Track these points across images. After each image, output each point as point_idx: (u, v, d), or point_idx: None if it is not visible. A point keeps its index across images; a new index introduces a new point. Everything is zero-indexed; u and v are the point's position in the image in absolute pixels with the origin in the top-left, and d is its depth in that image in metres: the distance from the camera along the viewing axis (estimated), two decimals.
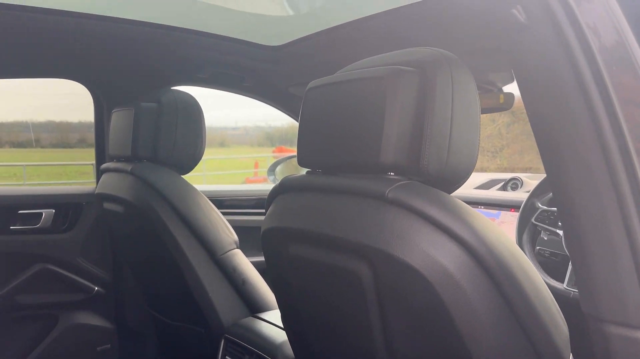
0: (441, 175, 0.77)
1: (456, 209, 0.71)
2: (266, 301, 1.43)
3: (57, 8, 1.47)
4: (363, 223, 0.75)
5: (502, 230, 0.73)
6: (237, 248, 1.45)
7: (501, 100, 1.56)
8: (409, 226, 0.70)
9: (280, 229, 0.91)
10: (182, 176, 1.52)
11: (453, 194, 0.79)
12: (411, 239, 0.69)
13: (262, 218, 2.11)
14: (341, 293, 0.81)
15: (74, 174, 11.34)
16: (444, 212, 0.69)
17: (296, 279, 0.92)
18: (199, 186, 2.24)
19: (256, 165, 11.94)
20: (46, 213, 1.78)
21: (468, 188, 2.21)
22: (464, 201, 0.75)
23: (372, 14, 1.37)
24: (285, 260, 0.92)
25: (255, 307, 1.42)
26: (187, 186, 1.42)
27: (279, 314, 1.06)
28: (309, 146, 0.89)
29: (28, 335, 1.79)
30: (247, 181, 11.31)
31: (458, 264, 0.68)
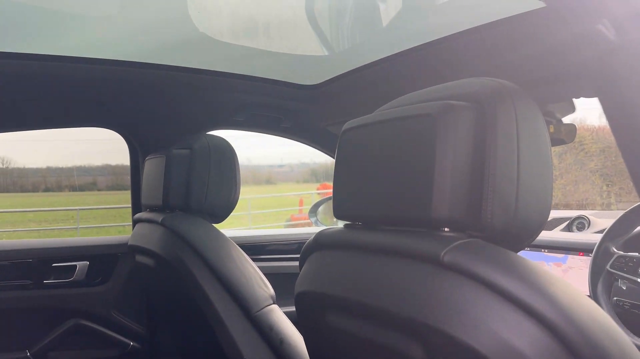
0: (509, 230, 0.63)
1: (533, 276, 0.56)
2: None
3: (87, 56, 1.45)
4: (414, 292, 0.61)
5: (593, 303, 0.57)
6: (274, 303, 1.32)
7: (560, 133, 1.41)
8: (472, 298, 0.56)
9: (316, 294, 0.78)
10: (223, 221, 1.43)
11: None
12: (476, 315, 0.55)
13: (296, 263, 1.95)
14: None
15: (129, 216, 11.65)
16: (517, 280, 0.55)
17: (335, 353, 0.78)
18: (235, 231, 2.16)
19: (301, 203, 11.89)
20: (80, 265, 1.72)
21: None
22: None
23: (416, 45, 1.26)
24: (322, 331, 0.79)
25: None
26: (220, 237, 1.32)
27: None
28: (346, 196, 0.77)
29: None
30: (292, 218, 11.26)
31: (538, 349, 0.53)
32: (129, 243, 1.56)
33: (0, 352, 1.63)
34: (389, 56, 1.41)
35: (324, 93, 1.74)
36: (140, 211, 1.82)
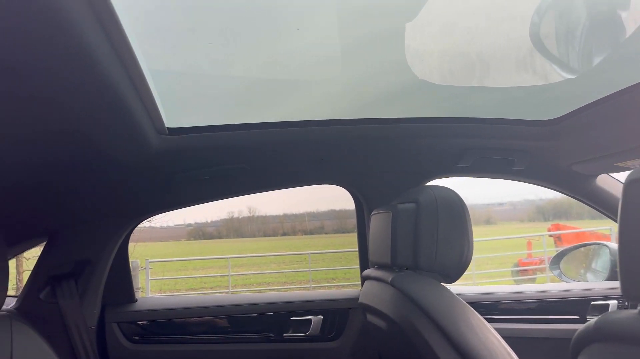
0: None
1: None
2: None
3: (310, 119, 1.51)
4: None
5: None
6: None
7: None
8: None
9: None
10: (456, 281, 1.30)
11: None
12: None
13: (543, 326, 1.65)
14: None
15: (354, 258, 12.30)
16: None
17: None
18: (463, 288, 1.97)
19: (529, 246, 10.79)
20: (315, 319, 1.77)
21: None
22: None
23: None
24: None
25: None
26: (455, 302, 1.18)
27: None
28: None
29: None
30: (520, 263, 10.30)
31: None
32: (359, 301, 1.53)
33: None
34: None
35: (567, 127, 1.49)
36: (367, 267, 1.80)
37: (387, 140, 1.58)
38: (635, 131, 1.40)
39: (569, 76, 1.46)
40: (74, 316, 1.63)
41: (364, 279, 1.56)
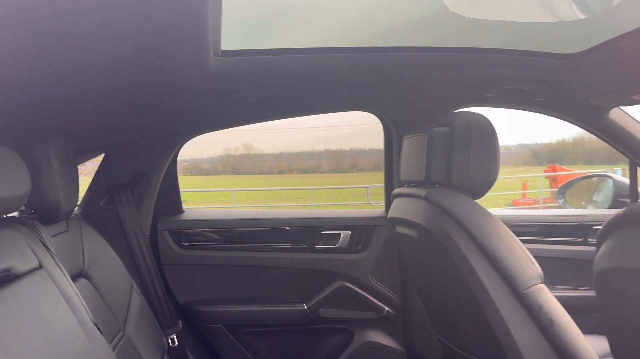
0: None
1: None
2: (578, 347, 1.23)
3: (345, 46, 1.59)
4: None
5: None
6: (542, 283, 1.28)
7: None
8: None
9: (624, 272, 0.74)
10: (482, 196, 1.45)
11: None
12: None
13: (547, 247, 1.83)
14: None
15: (348, 196, 12.65)
16: None
17: None
18: (497, 210, 2.15)
19: (524, 186, 11.07)
20: (343, 234, 1.94)
21: None
22: None
23: None
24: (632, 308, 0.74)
25: (565, 353, 1.22)
26: (484, 213, 1.33)
27: None
28: None
29: (329, 346, 1.97)
30: (515, 203, 10.61)
31: None
32: (389, 216, 1.69)
33: (284, 304, 1.95)
34: None
35: (588, 61, 1.58)
36: (392, 186, 1.95)
37: (417, 69, 1.66)
38: None
39: (595, 10, 1.53)
40: (132, 222, 1.79)
41: (393, 197, 1.71)
